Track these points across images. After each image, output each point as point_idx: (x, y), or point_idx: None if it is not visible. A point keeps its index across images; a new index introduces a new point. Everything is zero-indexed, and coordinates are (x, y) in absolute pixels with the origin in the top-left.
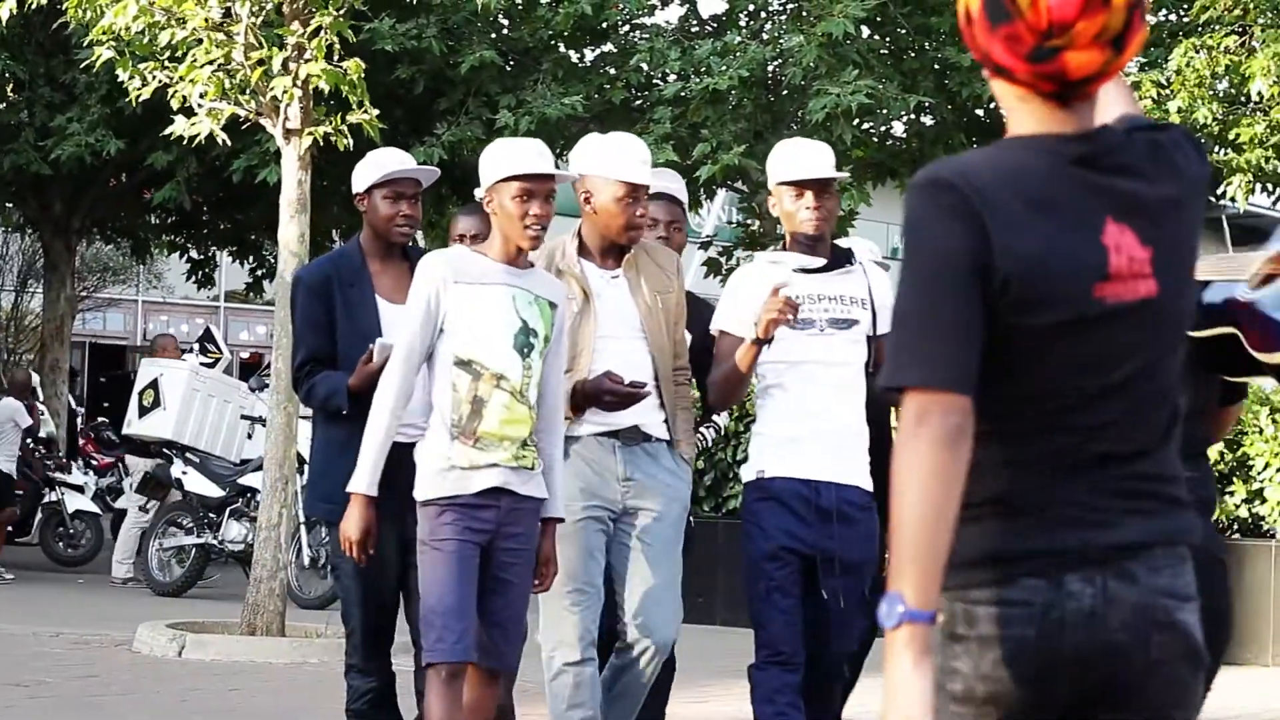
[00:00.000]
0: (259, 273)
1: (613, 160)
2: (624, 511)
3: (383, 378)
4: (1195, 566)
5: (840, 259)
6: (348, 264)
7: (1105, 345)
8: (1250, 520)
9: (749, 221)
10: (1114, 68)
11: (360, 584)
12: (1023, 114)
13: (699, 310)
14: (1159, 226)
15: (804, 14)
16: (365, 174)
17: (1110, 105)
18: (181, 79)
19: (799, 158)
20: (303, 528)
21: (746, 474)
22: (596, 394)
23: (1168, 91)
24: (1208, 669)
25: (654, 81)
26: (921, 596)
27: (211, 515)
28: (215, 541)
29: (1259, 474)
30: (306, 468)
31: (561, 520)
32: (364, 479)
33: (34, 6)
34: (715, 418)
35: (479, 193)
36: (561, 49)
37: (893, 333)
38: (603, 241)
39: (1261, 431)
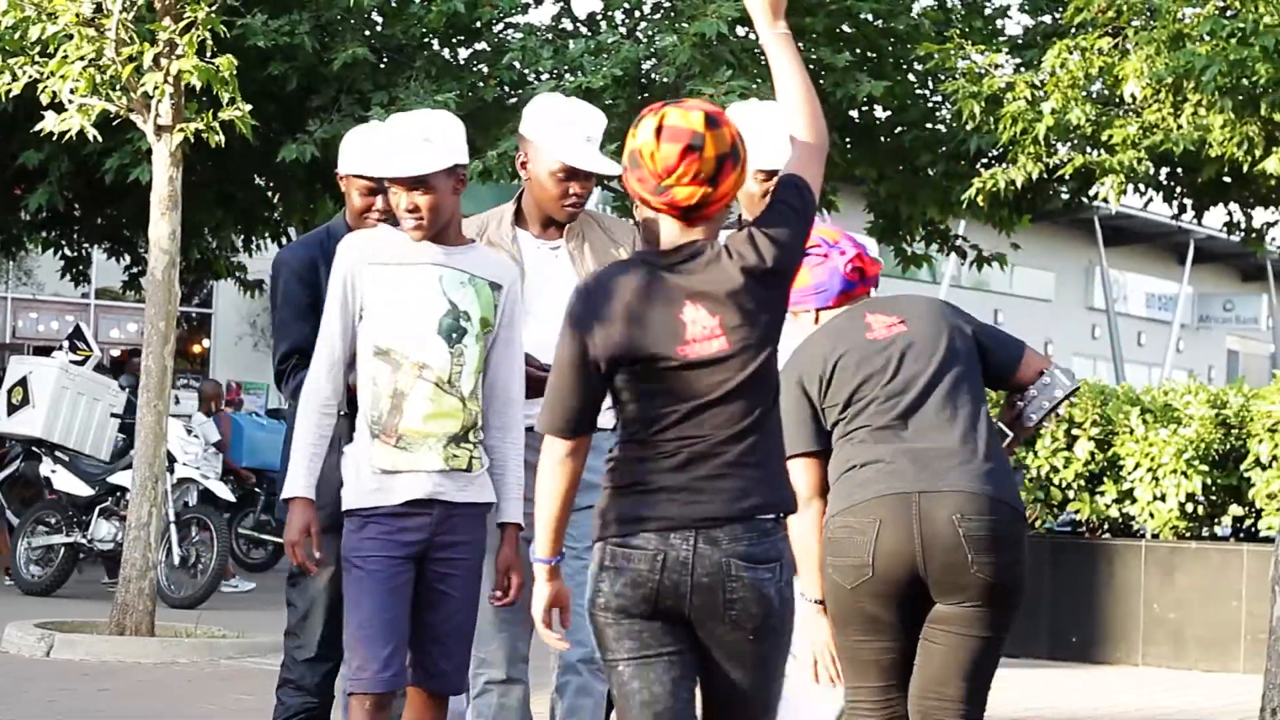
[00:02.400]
0: (134, 270)
1: (557, 134)
2: None
3: (308, 381)
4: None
5: None
6: (335, 244)
7: (692, 382)
8: (1121, 520)
9: (625, 220)
10: (714, 198)
11: (327, 595)
12: (664, 225)
13: None
14: (722, 302)
15: (677, 13)
16: (347, 158)
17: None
18: (52, 75)
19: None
20: (173, 527)
21: None
22: None
23: (1041, 93)
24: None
25: (527, 80)
26: (547, 550)
27: (80, 514)
28: (84, 540)
29: (1129, 474)
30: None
31: (520, 526)
32: (299, 482)
33: None
34: None
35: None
36: (434, 46)
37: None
38: (540, 211)
39: (1132, 432)
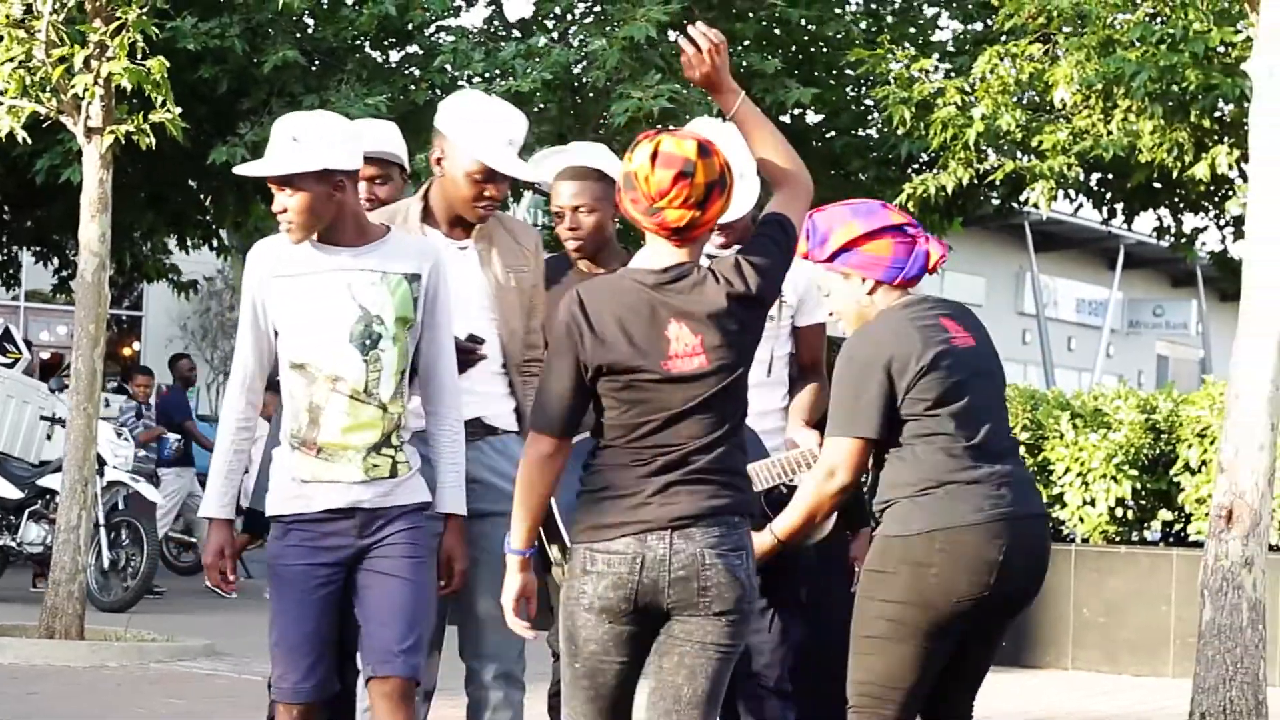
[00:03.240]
0: (64, 273)
1: (478, 133)
2: (471, 517)
3: (225, 399)
4: None
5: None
6: None
7: (670, 394)
8: (1051, 525)
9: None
10: (702, 221)
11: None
12: (653, 245)
13: None
14: (704, 322)
15: (607, 18)
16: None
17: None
18: None
19: None
20: (102, 530)
21: None
22: None
23: (972, 98)
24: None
25: (458, 83)
26: (522, 542)
27: (10, 517)
28: (13, 543)
29: (1059, 479)
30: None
31: (463, 515)
32: (215, 502)
33: None
34: None
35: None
36: (366, 49)
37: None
38: (450, 210)
39: (1062, 437)
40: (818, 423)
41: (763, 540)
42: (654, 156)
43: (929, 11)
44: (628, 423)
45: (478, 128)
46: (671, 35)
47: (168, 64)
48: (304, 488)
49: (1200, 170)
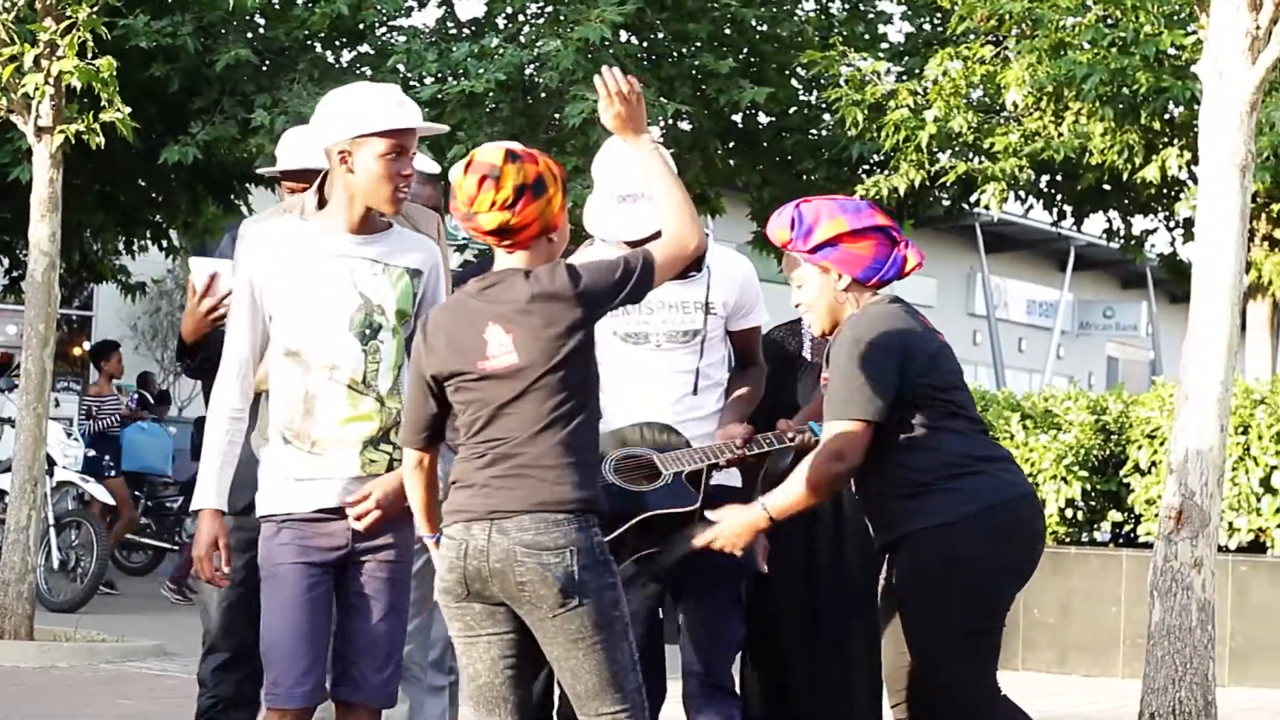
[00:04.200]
0: (14, 273)
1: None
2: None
3: (216, 386)
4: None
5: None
6: None
7: (490, 391)
8: None
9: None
10: (517, 225)
11: (218, 590)
12: (500, 254)
13: None
14: (514, 321)
15: (561, 18)
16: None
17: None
18: None
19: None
20: (52, 530)
21: None
22: None
23: (924, 100)
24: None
25: (410, 83)
26: (425, 529)
27: None
28: None
29: None
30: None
31: None
32: (209, 493)
33: None
34: None
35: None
36: (318, 49)
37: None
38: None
39: (1012, 438)
40: (754, 415)
41: (753, 514)
42: (467, 166)
43: (880, 5)
44: (466, 421)
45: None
46: (624, 36)
47: (117, 63)
48: (297, 486)
49: (1150, 172)
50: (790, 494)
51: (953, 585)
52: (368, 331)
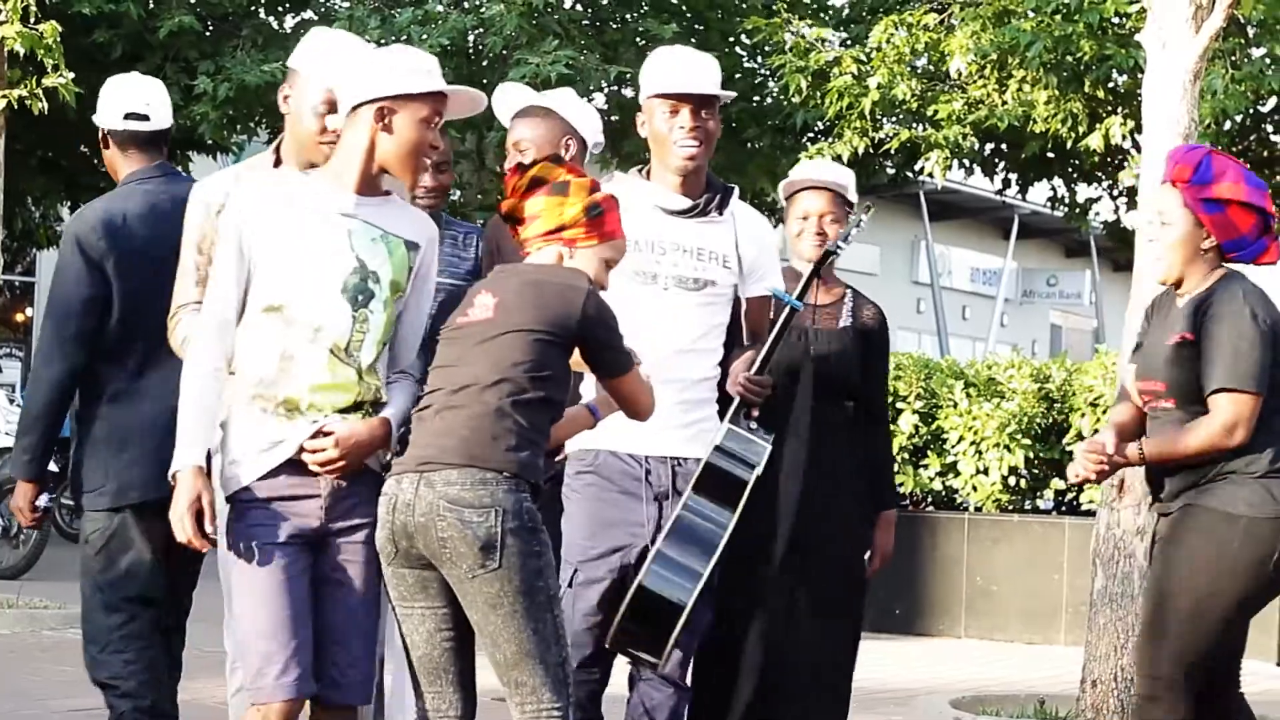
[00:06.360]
0: None
1: (328, 66)
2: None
3: (194, 344)
4: None
5: (715, 199)
6: None
7: (458, 346)
8: (944, 493)
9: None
10: (522, 214)
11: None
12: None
13: None
14: (506, 290)
15: None
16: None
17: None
18: None
19: (676, 69)
20: None
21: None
22: None
23: (868, 68)
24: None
25: None
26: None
27: None
28: None
29: (952, 448)
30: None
31: (387, 422)
32: (193, 450)
33: None
34: None
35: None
36: (261, 15)
37: None
38: (300, 154)
39: (956, 405)
40: None
41: (1131, 451)
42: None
43: None
44: (429, 379)
45: (329, 60)
46: (568, 2)
47: (61, 28)
48: (260, 456)
49: (1094, 140)
50: (1176, 449)
51: (1236, 560)
52: (360, 297)
